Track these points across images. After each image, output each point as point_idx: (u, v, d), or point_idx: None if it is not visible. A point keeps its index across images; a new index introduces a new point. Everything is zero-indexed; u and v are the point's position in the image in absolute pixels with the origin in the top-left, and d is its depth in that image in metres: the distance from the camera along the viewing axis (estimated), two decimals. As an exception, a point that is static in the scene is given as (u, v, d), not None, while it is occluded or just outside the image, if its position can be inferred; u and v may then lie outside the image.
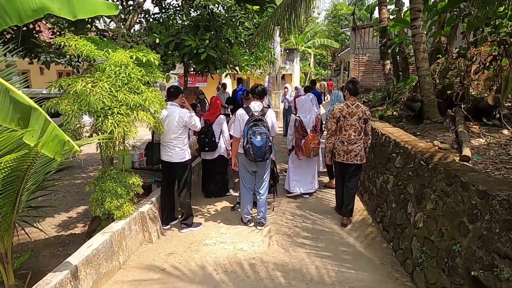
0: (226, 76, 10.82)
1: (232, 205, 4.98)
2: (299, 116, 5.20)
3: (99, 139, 3.10)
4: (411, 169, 3.62)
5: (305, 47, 26.08)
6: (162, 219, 4.22)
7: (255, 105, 4.06)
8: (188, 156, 4.09)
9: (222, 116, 5.56)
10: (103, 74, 3.20)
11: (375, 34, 9.32)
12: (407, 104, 6.87)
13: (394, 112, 7.39)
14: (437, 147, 3.71)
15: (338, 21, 37.87)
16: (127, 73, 3.25)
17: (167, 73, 4.32)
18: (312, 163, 5.38)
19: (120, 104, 3.18)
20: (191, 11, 4.97)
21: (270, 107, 5.92)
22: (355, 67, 14.48)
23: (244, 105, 4.65)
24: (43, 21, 4.78)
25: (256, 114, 3.97)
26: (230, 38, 4.50)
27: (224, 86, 14.67)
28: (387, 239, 3.86)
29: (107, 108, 3.11)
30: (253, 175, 4.23)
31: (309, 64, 28.11)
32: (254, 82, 15.99)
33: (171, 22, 4.60)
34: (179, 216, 4.33)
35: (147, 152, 4.27)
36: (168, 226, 4.29)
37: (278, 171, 5.01)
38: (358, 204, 5.11)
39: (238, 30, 4.86)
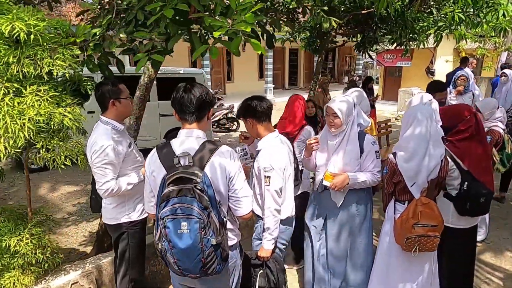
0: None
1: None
2: (394, 153, 2.19)
3: None
4: None
5: None
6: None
7: (184, 140, 1.66)
8: (125, 218, 2.19)
9: (308, 128, 3.21)
10: None
11: None
12: None
13: None
14: None
15: None
16: None
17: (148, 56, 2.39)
18: (422, 261, 2.26)
19: None
20: None
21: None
22: None
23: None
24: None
25: (182, 162, 1.56)
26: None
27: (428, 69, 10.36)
28: None
29: None
30: None
31: None
32: (485, 62, 10.80)
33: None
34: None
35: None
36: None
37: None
38: None
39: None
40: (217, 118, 9.54)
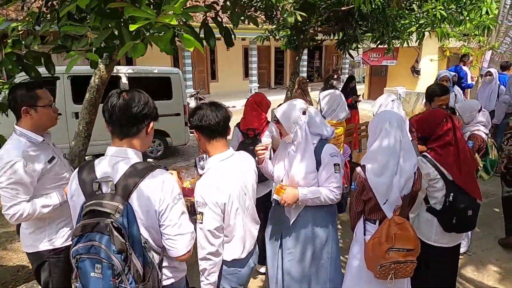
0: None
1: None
2: (362, 166, 1.92)
3: None
4: None
5: None
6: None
7: (109, 160, 1.36)
8: (45, 245, 1.88)
9: (272, 124, 3.03)
10: None
11: None
12: None
13: None
14: None
15: None
16: None
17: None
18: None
19: None
20: None
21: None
22: None
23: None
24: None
25: (104, 188, 1.28)
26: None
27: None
28: None
29: None
30: None
31: None
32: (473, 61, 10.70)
33: None
34: None
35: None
36: None
37: None
38: None
39: None
40: (197, 119, 9.22)
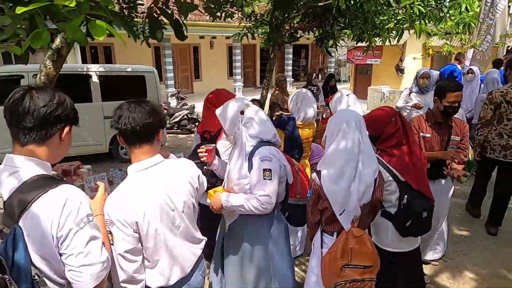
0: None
1: None
2: (318, 172, 1.73)
3: None
4: None
5: None
6: None
7: (3, 171, 1.11)
8: None
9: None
10: None
11: None
12: None
13: None
14: None
15: None
16: None
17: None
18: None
19: None
20: None
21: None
22: None
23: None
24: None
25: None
26: None
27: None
28: None
29: None
30: None
31: None
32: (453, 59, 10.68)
33: None
34: None
35: None
36: None
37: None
38: None
39: None
40: (177, 119, 8.98)
